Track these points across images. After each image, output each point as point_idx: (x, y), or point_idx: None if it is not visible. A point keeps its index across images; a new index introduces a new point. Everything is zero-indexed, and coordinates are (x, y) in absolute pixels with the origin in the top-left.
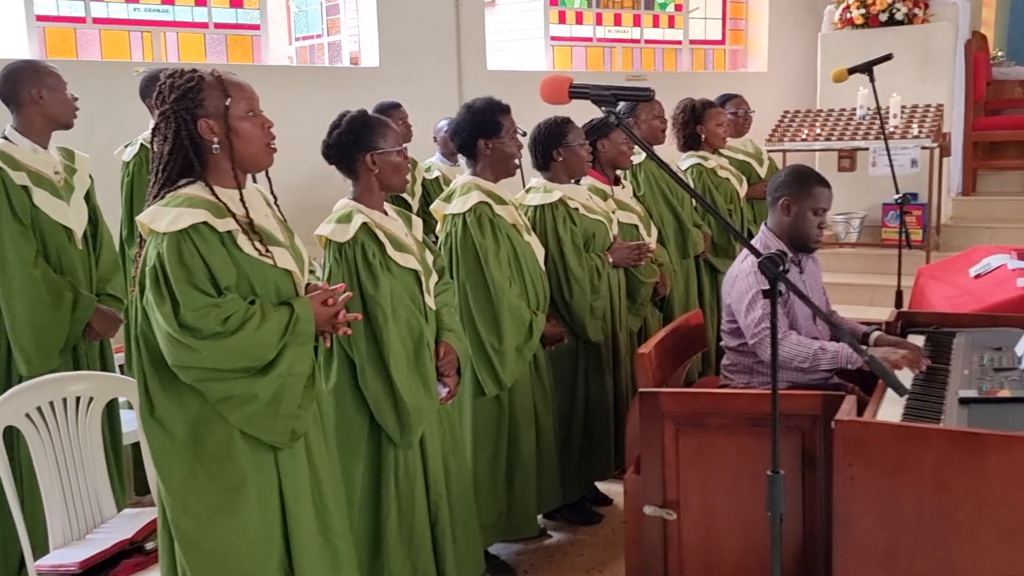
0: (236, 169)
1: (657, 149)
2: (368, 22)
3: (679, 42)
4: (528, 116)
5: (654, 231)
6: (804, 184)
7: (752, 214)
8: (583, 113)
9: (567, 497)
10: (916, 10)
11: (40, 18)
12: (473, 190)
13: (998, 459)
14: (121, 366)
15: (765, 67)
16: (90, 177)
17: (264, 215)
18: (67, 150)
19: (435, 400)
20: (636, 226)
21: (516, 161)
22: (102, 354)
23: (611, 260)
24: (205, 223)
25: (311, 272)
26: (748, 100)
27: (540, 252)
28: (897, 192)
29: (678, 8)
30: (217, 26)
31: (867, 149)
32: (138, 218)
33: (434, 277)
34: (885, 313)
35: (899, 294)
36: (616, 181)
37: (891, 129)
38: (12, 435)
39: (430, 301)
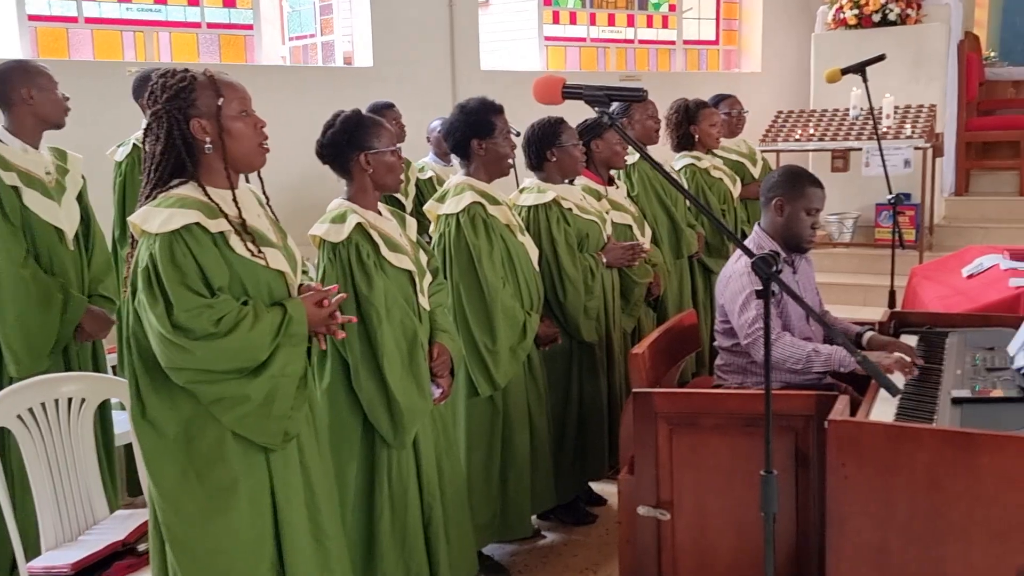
0: (229, 169)
1: (651, 149)
2: (362, 22)
3: (673, 42)
4: (522, 116)
5: (648, 231)
6: (797, 184)
7: (746, 214)
8: (577, 113)
9: (561, 497)
10: (909, 11)
11: (32, 17)
12: (467, 190)
13: (990, 459)
14: (114, 367)
15: (759, 67)
16: (82, 177)
17: (257, 216)
18: (59, 150)
19: (429, 401)
20: (630, 226)
21: (510, 161)
22: (94, 355)
23: (605, 260)
24: (197, 224)
25: (304, 272)
26: (742, 100)
27: (534, 252)
28: (890, 192)
29: (672, 8)
30: (210, 26)
31: (860, 149)
32: (130, 219)
33: (428, 277)
34: (878, 313)
35: (892, 294)
36: (610, 181)
37: (884, 129)
38: (4, 436)
39: (424, 302)
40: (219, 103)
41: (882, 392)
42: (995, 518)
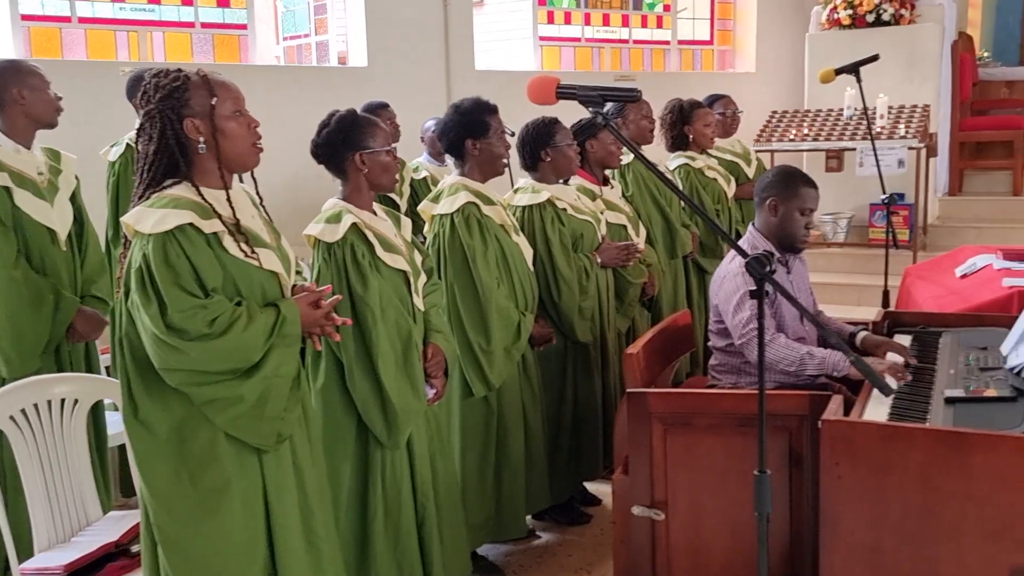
0: (222, 169)
1: (645, 149)
2: (356, 22)
3: (667, 42)
4: (516, 116)
5: (642, 231)
6: (791, 184)
7: (740, 214)
8: (572, 113)
9: (556, 497)
10: (903, 11)
11: (25, 17)
12: (461, 190)
13: (984, 458)
14: (107, 368)
15: (753, 67)
16: (76, 178)
17: (251, 216)
18: (53, 151)
19: (423, 401)
20: (624, 226)
21: (504, 161)
22: (87, 356)
23: (599, 260)
24: (191, 224)
25: (298, 273)
26: (736, 100)
27: (528, 252)
28: (884, 192)
29: (666, 8)
30: (204, 26)
31: (854, 149)
32: (123, 219)
33: (423, 278)
34: (872, 313)
35: (886, 294)
36: (605, 181)
37: (878, 129)
38: None
39: (419, 302)
40: (213, 103)
41: (875, 392)
42: (988, 517)
